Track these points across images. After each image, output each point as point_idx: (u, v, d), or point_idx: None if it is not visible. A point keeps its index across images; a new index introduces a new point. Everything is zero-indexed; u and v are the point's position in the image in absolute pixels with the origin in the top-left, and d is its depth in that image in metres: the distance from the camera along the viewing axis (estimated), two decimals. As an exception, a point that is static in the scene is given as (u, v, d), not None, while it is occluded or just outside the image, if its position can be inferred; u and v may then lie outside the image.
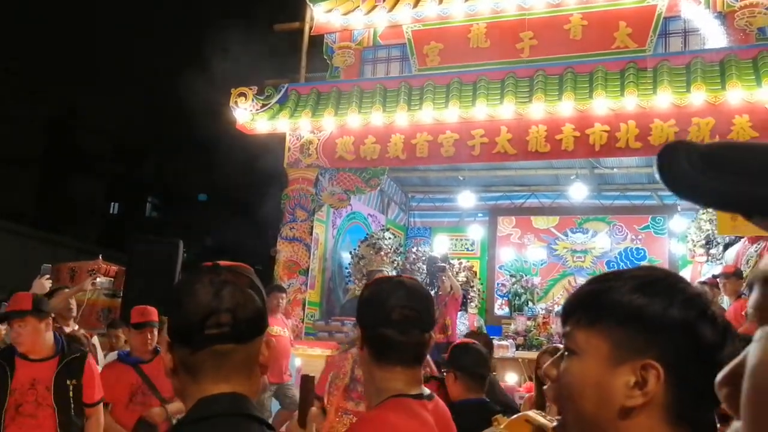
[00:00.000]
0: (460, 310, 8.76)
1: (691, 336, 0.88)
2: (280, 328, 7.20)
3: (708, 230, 8.08)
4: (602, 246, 10.27)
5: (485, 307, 10.14)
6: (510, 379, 7.23)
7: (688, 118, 7.08)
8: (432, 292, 8.86)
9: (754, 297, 0.63)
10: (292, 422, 1.82)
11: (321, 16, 9.16)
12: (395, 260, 9.37)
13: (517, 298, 9.81)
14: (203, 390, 1.18)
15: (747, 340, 0.63)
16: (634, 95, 7.08)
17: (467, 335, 5.57)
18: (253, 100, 8.50)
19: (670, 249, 9.92)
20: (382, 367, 1.66)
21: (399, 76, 8.87)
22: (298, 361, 7.41)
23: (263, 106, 8.53)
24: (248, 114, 8.47)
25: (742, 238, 6.94)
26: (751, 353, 0.60)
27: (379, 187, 9.05)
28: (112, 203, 26.85)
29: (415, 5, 8.75)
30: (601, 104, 7.27)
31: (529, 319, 8.93)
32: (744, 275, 6.28)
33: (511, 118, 7.66)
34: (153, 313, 4.41)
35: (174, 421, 3.92)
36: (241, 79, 8.88)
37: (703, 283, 6.57)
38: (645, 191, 10.24)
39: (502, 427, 2.41)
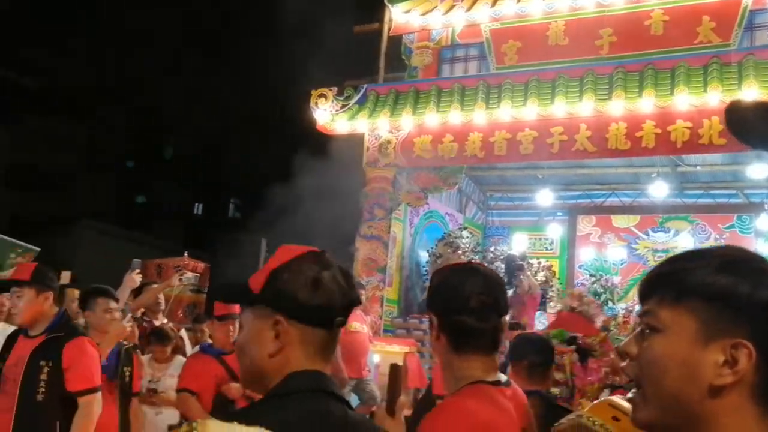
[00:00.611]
0: (539, 310, 8.69)
1: None
2: (359, 324, 7.33)
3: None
4: (684, 245, 9.94)
5: (564, 307, 10.00)
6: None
7: (779, 112, 6.80)
8: (510, 291, 8.85)
9: None
10: (379, 412, 1.83)
11: (399, 17, 9.28)
12: (472, 259, 9.38)
13: (597, 297, 9.64)
14: (305, 365, 1.28)
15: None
16: (717, 91, 6.86)
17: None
18: (333, 101, 8.69)
19: (757, 249, 9.52)
20: (460, 354, 1.67)
21: (477, 75, 8.89)
22: (376, 358, 7.53)
23: (343, 106, 8.71)
24: (328, 115, 8.66)
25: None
26: None
27: (456, 186, 9.09)
28: (197, 204, 27.89)
29: (494, 4, 8.75)
30: (683, 100, 7.08)
31: (609, 319, 8.75)
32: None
33: (590, 115, 7.56)
34: (235, 306, 4.28)
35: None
36: (321, 81, 9.09)
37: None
38: (730, 189, 9.86)
39: (585, 410, 2.43)
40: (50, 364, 3.26)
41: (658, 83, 7.24)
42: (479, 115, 7.98)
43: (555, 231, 10.82)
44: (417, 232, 9.71)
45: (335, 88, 8.90)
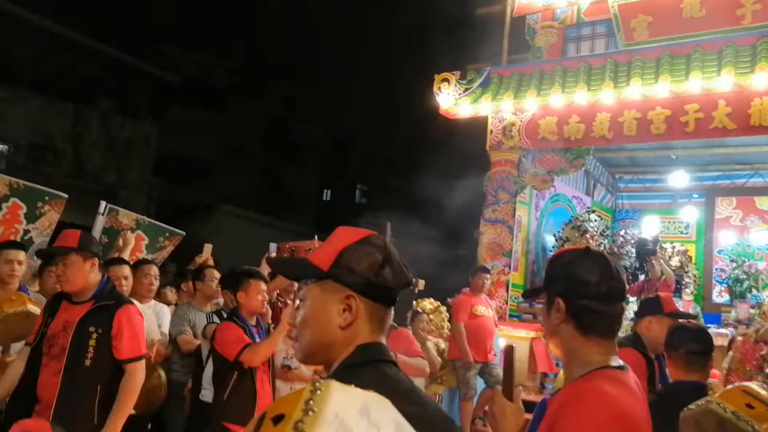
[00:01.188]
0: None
1: None
2: (484, 308, 7.37)
3: None
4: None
5: (702, 293, 9.49)
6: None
7: None
8: (641, 278, 8.51)
9: None
10: (497, 395, 1.87)
11: (522, -2, 9.11)
12: (601, 243, 9.10)
13: (739, 284, 9.05)
14: (370, 338, 1.41)
15: None
16: None
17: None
18: (456, 85, 8.69)
19: None
20: (589, 339, 1.70)
21: (605, 53, 8.56)
22: (502, 342, 7.54)
23: (466, 90, 8.69)
24: (451, 99, 8.68)
25: None
26: None
27: (584, 168, 8.84)
28: (325, 190, 28.86)
29: (622, -23, 8.38)
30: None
31: (752, 307, 8.21)
32: None
33: (730, 90, 7.08)
34: None
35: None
36: (443, 65, 9.11)
37: None
38: None
39: (716, 396, 2.36)
40: (99, 331, 3.31)
41: (809, 53, 6.66)
42: (607, 95, 7.70)
43: (690, 214, 10.24)
44: (543, 216, 9.56)
45: (458, 72, 8.88)
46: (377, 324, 1.42)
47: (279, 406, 0.89)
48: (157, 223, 6.41)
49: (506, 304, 8.32)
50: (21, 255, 4.37)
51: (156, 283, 5.23)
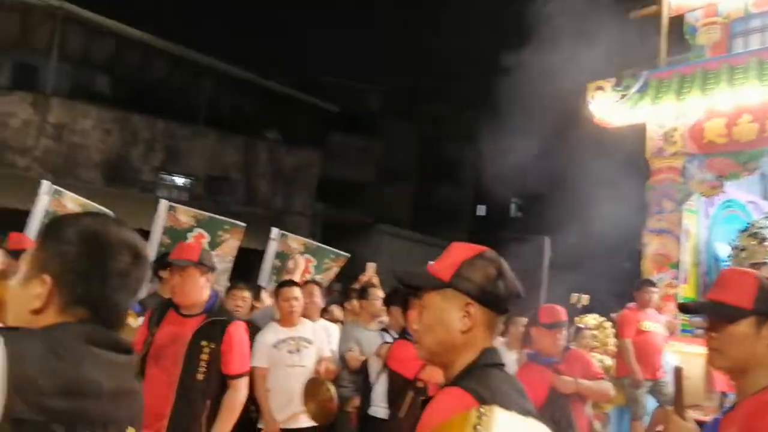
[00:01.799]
0: None
1: None
2: (651, 323, 7.02)
3: None
4: None
5: None
6: None
7: None
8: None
9: None
10: (669, 415, 1.85)
11: (680, -4, 8.65)
12: (784, 251, 8.32)
13: None
14: (484, 344, 1.58)
15: None
16: None
17: None
18: (611, 92, 8.41)
19: None
20: None
21: (778, 46, 7.90)
22: (672, 359, 7.13)
23: (622, 97, 8.38)
24: (607, 107, 8.40)
25: None
26: None
27: (758, 171, 8.17)
28: (479, 205, 28.81)
29: (796, -38, 7.71)
30: None
31: None
32: None
33: None
34: (562, 312, 4.12)
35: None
36: (596, 73, 8.85)
37: None
38: None
39: None
40: (212, 346, 3.34)
41: None
42: (783, 90, 7.09)
43: None
44: (714, 224, 8.92)
45: (613, 79, 8.60)
46: (492, 330, 1.60)
47: (446, 429, 0.99)
48: (323, 246, 6.81)
49: (676, 318, 7.85)
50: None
51: (318, 303, 5.44)
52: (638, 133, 8.54)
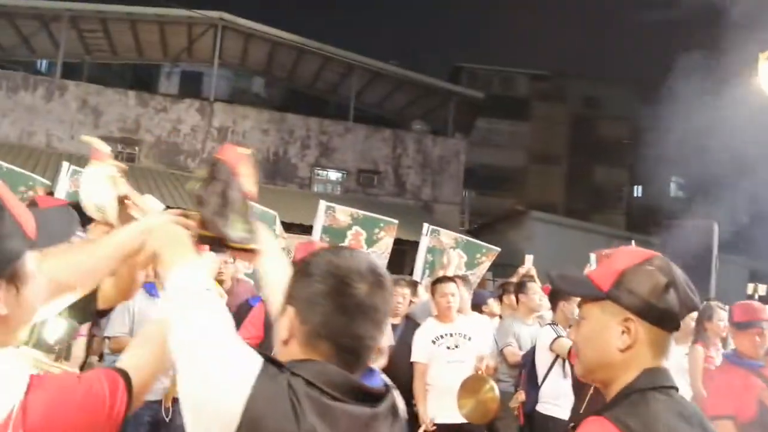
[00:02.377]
0: None
1: None
2: None
3: None
4: None
5: None
6: None
7: None
8: None
9: None
10: None
11: None
12: None
13: None
14: (647, 364, 1.39)
15: None
16: None
17: None
18: (788, 61, 7.61)
19: None
20: None
21: None
22: None
23: (801, 66, 7.56)
24: (783, 79, 7.62)
25: None
26: None
27: None
28: (636, 187, 27.34)
29: None
30: None
31: None
32: None
33: None
34: (760, 310, 3.78)
35: None
36: (760, 40, 8.06)
37: None
38: None
39: None
40: None
41: None
42: None
43: None
44: None
45: (789, 46, 7.77)
46: (659, 349, 1.40)
47: None
48: (473, 240, 6.79)
49: None
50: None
51: (465, 298, 5.26)
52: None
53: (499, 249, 6.76)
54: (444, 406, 4.65)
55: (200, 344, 1.16)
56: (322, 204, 6.12)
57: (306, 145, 19.80)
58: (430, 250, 6.70)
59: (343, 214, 6.08)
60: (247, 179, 1.60)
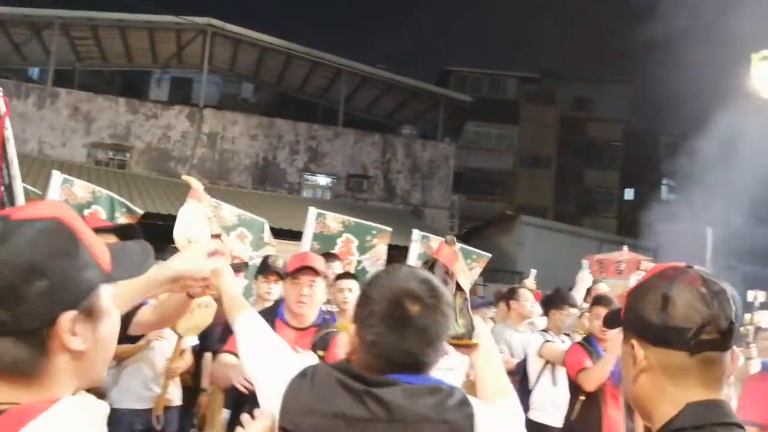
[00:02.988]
0: None
1: None
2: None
3: None
4: None
5: None
6: None
7: None
8: None
9: None
10: None
11: None
12: None
13: None
14: (689, 395, 1.18)
15: None
16: None
17: None
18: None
19: None
20: None
21: None
22: None
23: (793, 68, 7.55)
24: (775, 80, 7.61)
25: None
26: None
27: None
28: (626, 190, 27.39)
29: None
30: None
31: None
32: None
33: None
34: None
35: None
36: (755, 42, 8.06)
37: None
38: None
39: None
40: (322, 356, 3.05)
41: None
42: None
43: None
44: None
45: (780, 47, 7.77)
46: (684, 374, 1.18)
47: None
48: (464, 246, 6.70)
49: None
50: (351, 283, 4.71)
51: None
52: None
53: (490, 255, 6.68)
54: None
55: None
56: (312, 211, 6.03)
57: (295, 150, 19.75)
58: (421, 256, 6.62)
59: (334, 221, 5.98)
60: (462, 276, 1.80)
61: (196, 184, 2.28)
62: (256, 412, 1.49)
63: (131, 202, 5.84)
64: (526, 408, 4.62)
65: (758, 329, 6.04)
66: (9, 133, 2.53)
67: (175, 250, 2.06)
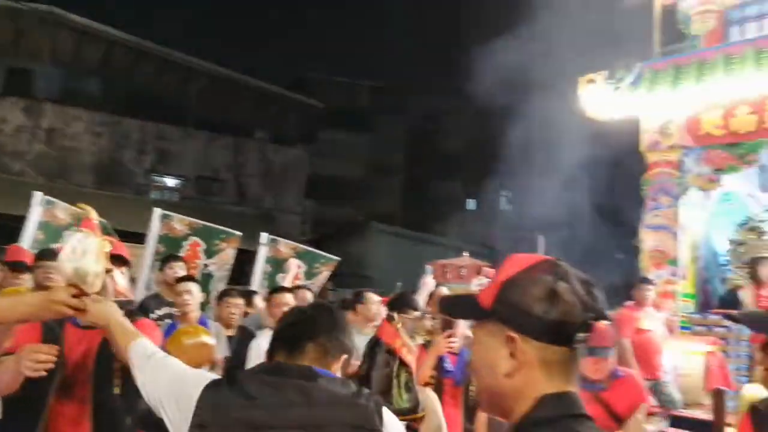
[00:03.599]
0: None
1: None
2: (649, 322, 6.93)
3: None
4: None
5: None
6: None
7: None
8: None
9: None
10: None
11: (673, -16, 8.52)
12: (783, 245, 8.24)
13: None
14: (550, 388, 1.18)
15: None
16: None
17: None
18: (604, 85, 8.26)
19: None
20: None
21: (775, 34, 7.78)
22: (673, 358, 7.02)
23: (615, 89, 8.24)
24: (599, 100, 8.26)
25: None
26: None
27: (757, 164, 8.08)
28: (468, 200, 28.74)
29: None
30: None
31: None
32: None
33: None
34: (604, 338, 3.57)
35: None
36: (587, 65, 8.72)
37: None
38: None
39: None
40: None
41: None
42: (781, 81, 6.98)
43: None
44: (712, 218, 8.83)
45: (605, 72, 8.45)
46: (557, 369, 1.18)
47: None
48: (313, 250, 6.68)
49: (675, 316, 7.75)
50: (191, 286, 4.63)
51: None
52: (632, 125, 8.42)
53: (338, 259, 6.71)
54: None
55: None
56: (157, 212, 5.76)
57: (142, 150, 18.82)
58: (269, 260, 6.52)
59: (181, 223, 5.76)
60: (406, 351, 1.85)
61: (93, 214, 2.25)
62: None
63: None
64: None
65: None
66: None
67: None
